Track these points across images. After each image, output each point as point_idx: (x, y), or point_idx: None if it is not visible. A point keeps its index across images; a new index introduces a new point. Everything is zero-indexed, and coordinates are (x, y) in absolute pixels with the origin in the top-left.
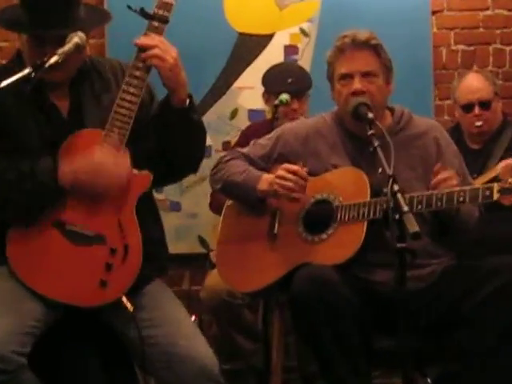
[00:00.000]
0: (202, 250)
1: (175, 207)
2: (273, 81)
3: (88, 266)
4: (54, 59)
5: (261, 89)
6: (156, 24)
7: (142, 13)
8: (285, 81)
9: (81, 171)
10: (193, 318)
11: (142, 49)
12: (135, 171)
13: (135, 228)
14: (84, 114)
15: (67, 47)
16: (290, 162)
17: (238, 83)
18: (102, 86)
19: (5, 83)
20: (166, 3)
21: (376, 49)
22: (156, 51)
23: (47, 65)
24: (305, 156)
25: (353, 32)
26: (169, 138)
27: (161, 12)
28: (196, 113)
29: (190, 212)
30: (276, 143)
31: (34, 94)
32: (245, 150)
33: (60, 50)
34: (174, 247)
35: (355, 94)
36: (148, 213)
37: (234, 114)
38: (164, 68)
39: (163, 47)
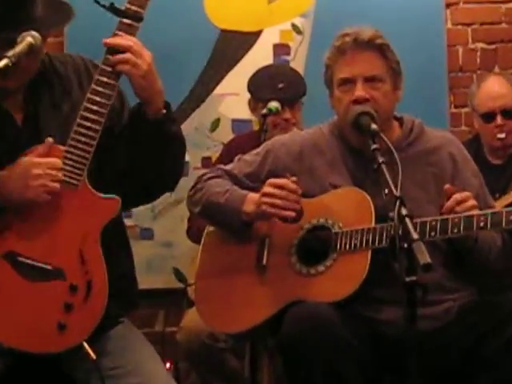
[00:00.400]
0: (179, 285)
1: (146, 235)
2: (261, 86)
3: (44, 305)
4: (3, 63)
5: (246, 95)
6: (128, 22)
7: (112, 8)
8: (275, 86)
9: (7, 175)
10: (167, 365)
11: (112, 50)
12: (101, 195)
13: (100, 261)
14: (41, 126)
15: (19, 48)
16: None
17: (219, 89)
18: (62, 92)
19: None
20: None
21: (382, 49)
22: (127, 56)
23: None
24: (299, 174)
25: (355, 30)
26: (142, 152)
27: (134, 8)
28: (174, 123)
29: (163, 240)
30: (265, 159)
31: None
32: (228, 166)
33: (10, 52)
34: (146, 281)
35: (357, 101)
36: (117, 241)
37: (215, 124)
38: (136, 76)
39: (136, 50)
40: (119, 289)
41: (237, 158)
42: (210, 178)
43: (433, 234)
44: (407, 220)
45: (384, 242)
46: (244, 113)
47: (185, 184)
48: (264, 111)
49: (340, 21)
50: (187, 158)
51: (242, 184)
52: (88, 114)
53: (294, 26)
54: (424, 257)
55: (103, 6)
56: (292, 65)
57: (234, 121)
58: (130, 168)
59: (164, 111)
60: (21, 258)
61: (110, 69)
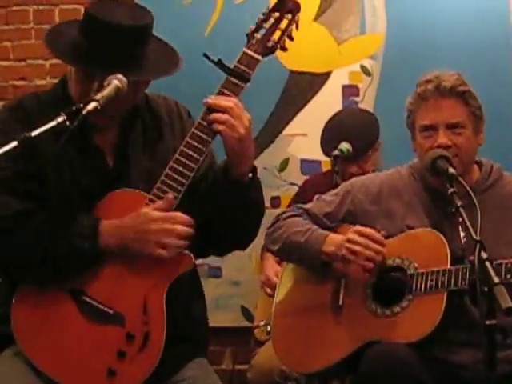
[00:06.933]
0: (246, 323)
1: (215, 273)
2: (325, 141)
3: (98, 348)
4: (91, 106)
5: (315, 136)
6: (235, 81)
7: (221, 65)
8: (336, 145)
9: (128, 226)
10: None
11: (211, 108)
12: None
13: (162, 315)
14: (129, 165)
15: (106, 92)
16: (358, 221)
17: (288, 129)
18: (155, 133)
19: (36, 133)
20: (251, 58)
21: (464, 96)
22: (225, 117)
23: (84, 112)
24: (376, 216)
25: (437, 76)
26: (219, 212)
27: (242, 68)
28: (257, 190)
29: (231, 279)
30: (344, 199)
31: (76, 133)
32: (308, 206)
33: (99, 96)
34: (213, 319)
35: (439, 148)
36: (191, 285)
37: (284, 164)
38: (232, 138)
39: (236, 112)
40: (189, 333)
41: (316, 197)
42: (289, 217)
43: (509, 276)
44: (488, 264)
45: (460, 284)
46: (313, 153)
47: None
48: (335, 152)
49: (408, 62)
50: None
51: (321, 224)
52: (177, 166)
53: (363, 67)
54: (506, 301)
55: (212, 61)
56: (361, 106)
57: (302, 161)
58: (204, 222)
59: (250, 176)
60: (85, 297)
61: (206, 124)
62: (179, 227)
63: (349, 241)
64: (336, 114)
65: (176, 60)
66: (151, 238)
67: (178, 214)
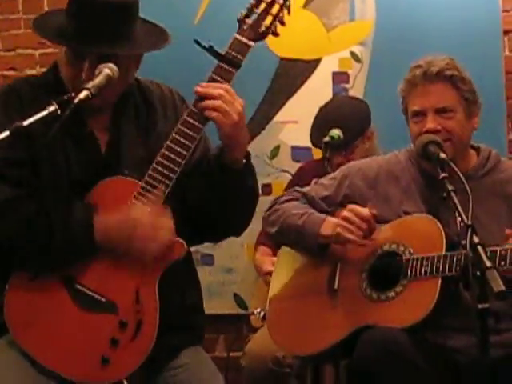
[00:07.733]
0: (239, 311)
1: (207, 261)
2: (314, 131)
3: (91, 336)
4: (83, 94)
5: (305, 123)
6: (225, 67)
7: (212, 51)
8: (323, 135)
9: (115, 228)
10: None
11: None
12: None
13: (154, 303)
14: (121, 152)
15: (98, 80)
16: (356, 204)
17: (279, 116)
18: (148, 120)
19: (27, 122)
20: (243, 44)
21: (452, 80)
22: (217, 103)
23: (76, 101)
24: (373, 200)
25: (427, 61)
26: (214, 198)
27: (234, 53)
28: (251, 176)
29: (224, 266)
30: (341, 184)
31: (69, 120)
32: (305, 189)
33: (90, 84)
34: (206, 307)
35: (429, 133)
36: (186, 274)
37: (274, 152)
38: (225, 124)
39: (228, 98)
40: (185, 321)
41: (314, 181)
42: (287, 201)
43: (503, 263)
44: (480, 248)
45: (454, 269)
46: (303, 140)
47: None
48: (326, 139)
49: (398, 49)
50: None
51: (319, 207)
52: (168, 153)
53: (352, 54)
54: (498, 284)
55: (203, 47)
56: (351, 92)
57: (293, 148)
58: (199, 209)
59: (244, 161)
60: (78, 285)
61: (198, 112)
62: (163, 235)
63: (344, 218)
64: (325, 104)
65: (165, 36)
66: (135, 244)
67: (165, 220)
